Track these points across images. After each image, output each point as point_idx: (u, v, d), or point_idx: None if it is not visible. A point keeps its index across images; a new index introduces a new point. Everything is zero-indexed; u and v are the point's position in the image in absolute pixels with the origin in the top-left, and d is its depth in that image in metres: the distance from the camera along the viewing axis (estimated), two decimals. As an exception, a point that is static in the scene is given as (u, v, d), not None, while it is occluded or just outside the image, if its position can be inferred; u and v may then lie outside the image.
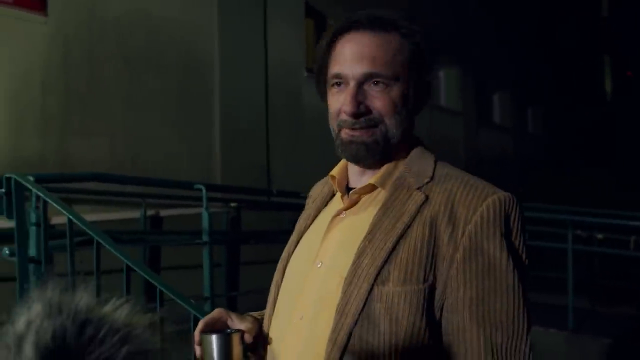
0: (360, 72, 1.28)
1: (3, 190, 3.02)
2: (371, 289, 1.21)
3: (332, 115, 1.34)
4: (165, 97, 6.59)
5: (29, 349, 0.73)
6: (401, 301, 1.19)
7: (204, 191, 4.19)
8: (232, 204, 6.76)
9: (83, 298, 0.78)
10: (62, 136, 5.58)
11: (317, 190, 1.53)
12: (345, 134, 1.31)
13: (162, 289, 2.47)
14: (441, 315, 1.22)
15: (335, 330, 1.23)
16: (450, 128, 13.08)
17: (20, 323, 0.76)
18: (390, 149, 1.32)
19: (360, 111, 1.28)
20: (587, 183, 13.20)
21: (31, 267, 3.06)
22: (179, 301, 2.43)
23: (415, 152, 1.36)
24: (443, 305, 1.22)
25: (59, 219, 3.20)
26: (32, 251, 3.08)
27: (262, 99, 7.87)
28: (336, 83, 1.32)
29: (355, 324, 1.21)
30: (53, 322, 0.75)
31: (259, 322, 1.43)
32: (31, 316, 0.76)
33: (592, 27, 21.40)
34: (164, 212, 6.21)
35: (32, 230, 3.11)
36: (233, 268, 6.56)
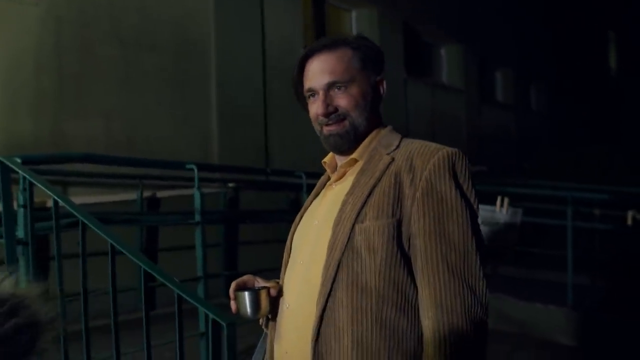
0: (324, 82, 1.71)
1: (-10, 172, 3.01)
2: (353, 227, 1.57)
3: (313, 119, 1.77)
4: (161, 77, 6.54)
5: None
6: (376, 232, 1.55)
7: (195, 171, 4.17)
8: (230, 184, 6.77)
9: None
10: (56, 118, 5.56)
11: (322, 178, 1.90)
12: (325, 130, 1.73)
13: (147, 269, 2.46)
14: (409, 243, 1.56)
15: (327, 262, 1.59)
16: (452, 106, 13.00)
17: None
18: (361, 135, 1.73)
19: (329, 111, 1.70)
20: (592, 160, 13.13)
21: (19, 248, 3.05)
22: (163, 280, 2.42)
23: (385, 132, 1.77)
24: (410, 235, 1.56)
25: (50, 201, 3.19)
26: (20, 233, 3.08)
27: (260, 79, 7.81)
28: (310, 95, 1.75)
29: (342, 254, 1.57)
30: None
31: (280, 285, 1.78)
32: None
33: (596, 2, 21.17)
34: (161, 194, 6.21)
35: (20, 212, 3.10)
36: (231, 248, 6.57)
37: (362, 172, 1.67)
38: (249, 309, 1.66)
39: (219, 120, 7.15)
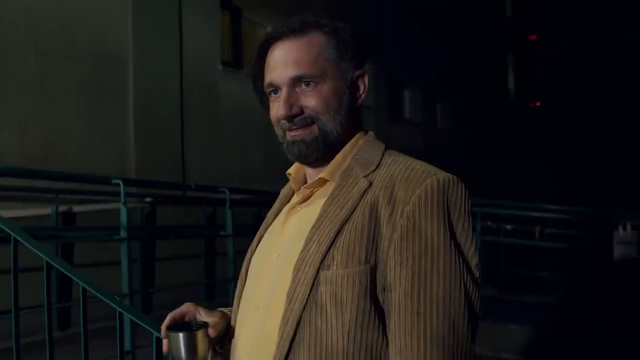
0: (288, 76, 1.34)
1: None
2: (317, 274, 1.25)
3: (274, 121, 1.41)
4: (78, 88, 6.38)
5: None
6: (344, 283, 1.22)
7: (122, 186, 4.10)
8: (147, 199, 6.66)
9: None
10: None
11: (284, 190, 1.58)
12: (288, 135, 1.38)
13: (86, 286, 2.42)
14: (384, 295, 1.23)
15: (285, 316, 1.27)
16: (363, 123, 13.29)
17: None
18: (332, 143, 1.38)
19: (293, 112, 1.35)
20: (497, 176, 13.72)
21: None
22: (102, 298, 2.38)
23: (364, 143, 1.41)
24: (385, 286, 1.23)
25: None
26: (-59, 250, 2.95)
27: (177, 92, 7.76)
28: (272, 91, 1.39)
29: (304, 309, 1.25)
30: None
31: (226, 316, 1.50)
32: None
33: (498, 27, 22.25)
34: (77, 208, 6.04)
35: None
36: (148, 264, 6.47)
37: (332, 199, 1.33)
38: (183, 354, 1.37)
39: (137, 132, 7.05)
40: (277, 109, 1.37)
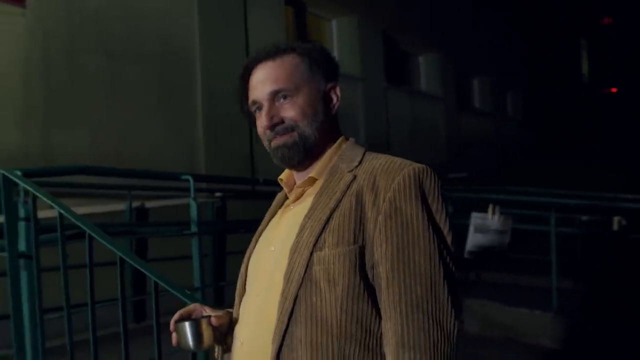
0: (267, 92, 1.54)
1: (-9, 185, 2.99)
2: (311, 255, 1.41)
3: (260, 135, 1.59)
4: (147, 88, 6.54)
5: None
6: (336, 261, 1.39)
7: (191, 182, 4.17)
8: (217, 194, 6.76)
9: None
10: (44, 129, 5.53)
11: (278, 195, 1.74)
12: (272, 144, 1.56)
13: (158, 280, 2.46)
14: (373, 272, 1.40)
15: (283, 294, 1.43)
16: (431, 113, 13.13)
17: None
18: (311, 146, 1.55)
19: (274, 122, 1.54)
20: (568, 165, 13.33)
21: (21, 261, 3.04)
22: (173, 292, 2.42)
23: (347, 146, 1.59)
24: (373, 263, 1.40)
25: (43, 213, 3.18)
26: (21, 246, 3.06)
27: (245, 88, 7.84)
28: (257, 108, 1.58)
29: (300, 287, 1.41)
30: None
31: (230, 314, 1.65)
32: None
33: (568, 10, 21.55)
34: (149, 204, 6.19)
35: (21, 225, 3.08)
36: (220, 258, 6.56)
37: (321, 192, 1.50)
38: (190, 341, 1.52)
39: (205, 129, 7.16)
40: (261, 121, 1.55)
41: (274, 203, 1.71)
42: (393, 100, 11.55)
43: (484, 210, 5.44)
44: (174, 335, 1.56)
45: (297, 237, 1.45)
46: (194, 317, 1.60)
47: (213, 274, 6.32)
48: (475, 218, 5.60)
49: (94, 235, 2.64)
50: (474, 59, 15.45)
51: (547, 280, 6.62)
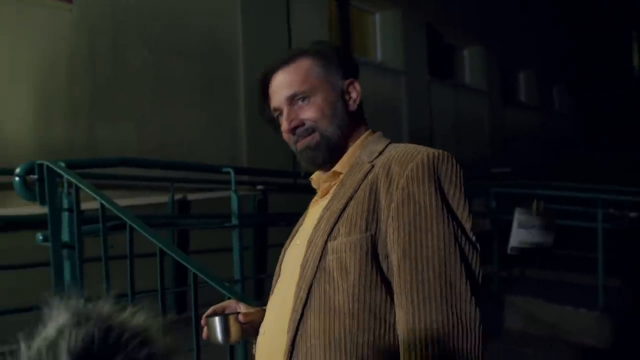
0: (284, 97, 1.58)
1: (36, 176, 3.06)
2: (325, 245, 1.42)
3: (285, 139, 1.63)
4: (190, 82, 6.60)
5: (63, 355, 0.78)
6: (348, 250, 1.38)
7: (232, 174, 4.20)
8: (259, 187, 6.80)
9: (105, 306, 0.85)
10: (89, 123, 5.62)
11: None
12: (297, 146, 1.60)
13: (197, 272, 2.48)
14: (388, 262, 1.38)
15: (298, 284, 1.45)
16: (475, 107, 12.97)
17: (50, 330, 0.81)
18: (335, 145, 1.58)
19: (294, 125, 1.57)
20: (617, 160, 13.03)
21: (65, 252, 3.10)
22: (212, 284, 2.44)
23: (371, 139, 1.61)
24: (387, 252, 1.38)
25: (86, 204, 3.23)
26: (64, 236, 3.12)
27: (287, 82, 7.86)
28: (278, 115, 1.63)
29: (314, 277, 1.41)
30: (82, 330, 0.80)
31: (264, 310, 1.67)
32: (60, 324, 0.81)
33: (619, 2, 21.01)
34: (191, 196, 6.25)
35: (65, 215, 3.15)
36: (260, 251, 6.60)
37: (342, 184, 1.52)
38: (219, 335, 1.61)
39: (247, 123, 7.20)
40: (283, 126, 1.60)
41: (313, 201, 1.72)
42: (436, 94, 11.44)
43: (528, 205, 5.34)
44: (204, 329, 1.64)
45: (314, 229, 1.48)
46: (226, 312, 1.67)
47: (254, 266, 6.36)
48: (519, 213, 5.51)
49: (134, 226, 2.68)
50: (519, 52, 15.19)
51: (593, 278, 6.49)
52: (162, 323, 0.87)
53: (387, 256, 1.38)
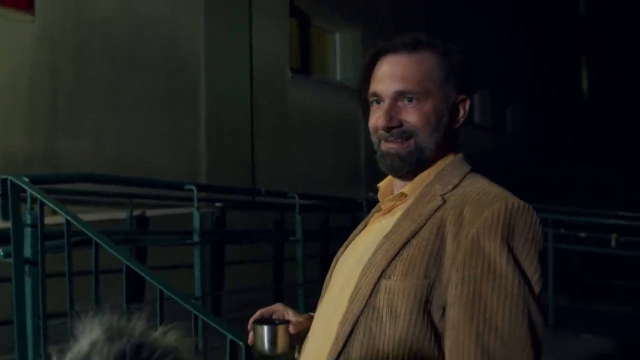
0: (392, 89, 1.40)
1: (-2, 191, 3.03)
2: (378, 281, 1.30)
3: (371, 130, 1.46)
4: (152, 96, 6.59)
5: None
6: (400, 294, 1.26)
7: (195, 191, 4.22)
8: (217, 204, 6.80)
9: (138, 323, 0.86)
10: (49, 136, 5.57)
11: (375, 207, 1.63)
12: (383, 146, 1.43)
13: (162, 288, 2.50)
14: (442, 312, 1.25)
15: (345, 315, 1.33)
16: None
17: (83, 345, 0.84)
18: (424, 160, 1.42)
19: (392, 124, 1.40)
20: (568, 181, 13.39)
21: (27, 267, 3.07)
22: (179, 300, 2.46)
23: (450, 164, 1.44)
24: (444, 304, 1.25)
25: (48, 219, 3.21)
26: (27, 252, 3.09)
27: (248, 99, 7.90)
28: (375, 100, 1.44)
29: (362, 312, 1.30)
30: (114, 346, 0.82)
31: (312, 318, 1.56)
32: (93, 340, 0.84)
33: (570, 27, 21.69)
34: (150, 213, 6.22)
35: (27, 231, 3.11)
36: (218, 268, 6.59)
37: (407, 212, 1.37)
38: (266, 345, 1.51)
39: (208, 138, 7.21)
40: (377, 118, 1.42)
41: (374, 209, 1.59)
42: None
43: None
44: (250, 334, 1.54)
45: (370, 258, 1.35)
46: (275, 317, 1.58)
47: (211, 283, 6.35)
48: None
49: (100, 242, 2.68)
50: (475, 73, 15.51)
51: (544, 297, 6.67)
52: (192, 343, 0.90)
53: (443, 307, 1.26)
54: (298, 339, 1.54)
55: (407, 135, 1.40)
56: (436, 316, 1.26)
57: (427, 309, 1.26)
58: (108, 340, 0.84)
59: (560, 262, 7.09)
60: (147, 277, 2.56)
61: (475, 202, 1.30)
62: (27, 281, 3.09)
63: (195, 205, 4.23)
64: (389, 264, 1.30)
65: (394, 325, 1.26)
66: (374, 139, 1.46)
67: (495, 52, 16.49)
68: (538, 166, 17.01)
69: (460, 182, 1.39)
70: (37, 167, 5.18)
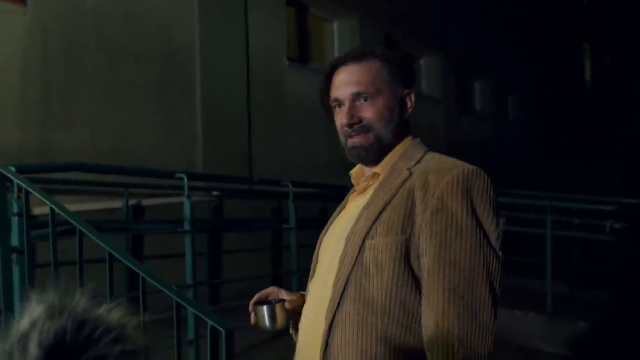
0: (349, 92, 1.69)
1: (-16, 180, 3.03)
2: (363, 242, 1.56)
3: (338, 130, 1.74)
4: (146, 86, 6.57)
5: (33, 347, 0.81)
6: (384, 249, 1.54)
7: (185, 180, 4.21)
8: (214, 193, 6.81)
9: (81, 300, 0.85)
10: (42, 126, 5.57)
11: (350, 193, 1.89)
12: (349, 142, 1.71)
13: (145, 276, 2.50)
14: (418, 261, 1.53)
15: (337, 276, 1.60)
16: (431, 116, 13.15)
17: (24, 323, 0.83)
18: (385, 147, 1.70)
19: (354, 121, 1.68)
20: (569, 169, 13.35)
21: (14, 256, 3.08)
22: (161, 288, 2.46)
23: (411, 146, 1.73)
24: (418, 253, 1.53)
25: (40, 209, 3.22)
26: (14, 241, 3.10)
27: (244, 88, 7.87)
28: (337, 105, 1.73)
29: (352, 270, 1.57)
30: (55, 322, 0.82)
31: (304, 296, 1.82)
32: (34, 317, 0.83)
33: (571, 14, 21.55)
34: (146, 202, 6.23)
35: (14, 220, 3.12)
36: (215, 256, 6.61)
37: (380, 186, 1.65)
38: (267, 322, 1.75)
39: (204, 128, 7.20)
40: (340, 118, 1.70)
41: (348, 195, 1.86)
42: (393, 102, 11.56)
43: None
44: (252, 315, 1.77)
45: (353, 226, 1.62)
46: (271, 298, 1.80)
47: (209, 271, 6.37)
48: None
49: (84, 231, 2.68)
50: (475, 61, 15.46)
51: (542, 283, 6.66)
52: (139, 321, 0.89)
53: (418, 257, 1.53)
54: (293, 315, 1.78)
55: (366, 129, 1.68)
56: (414, 264, 1.53)
57: (406, 259, 1.53)
58: (49, 318, 0.83)
59: (558, 249, 7.07)
60: (130, 265, 2.55)
61: (438, 170, 1.58)
62: (15, 269, 3.10)
63: (186, 193, 4.22)
64: (370, 228, 1.57)
65: (381, 275, 1.52)
66: (341, 137, 1.73)
67: (497, 40, 16.41)
68: (538, 155, 16.96)
69: (422, 157, 1.67)
70: (30, 158, 5.16)
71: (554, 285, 6.63)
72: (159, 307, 2.84)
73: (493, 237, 1.51)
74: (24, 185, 2.94)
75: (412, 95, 1.74)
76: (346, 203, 1.84)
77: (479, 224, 1.50)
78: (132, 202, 6.07)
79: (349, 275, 1.56)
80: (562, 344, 6.23)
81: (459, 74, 14.68)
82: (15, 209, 3.12)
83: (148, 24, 6.61)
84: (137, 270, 2.53)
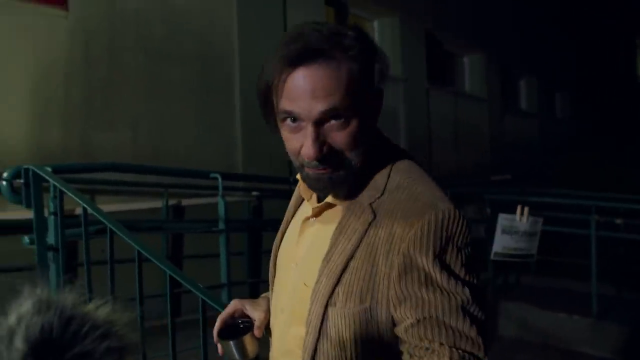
0: (317, 111, 1.20)
1: (22, 180, 3.12)
2: (325, 310, 1.28)
3: (291, 152, 1.30)
4: (186, 87, 6.65)
5: (19, 342, 0.80)
6: (344, 322, 1.26)
7: (219, 180, 4.25)
8: (253, 193, 6.85)
9: (69, 296, 0.85)
10: (84, 128, 5.68)
11: (296, 193, 1.58)
12: (312, 172, 1.28)
13: (173, 274, 2.53)
14: (392, 332, 1.25)
15: (304, 345, 1.33)
16: (475, 115, 13.00)
17: (11, 318, 0.83)
18: (355, 174, 1.30)
19: (324, 152, 1.24)
20: (616, 168, 13.04)
21: (50, 254, 3.15)
22: (188, 287, 2.48)
23: (374, 164, 1.33)
24: (393, 323, 1.25)
25: (80, 209, 3.28)
26: (50, 239, 3.18)
27: (283, 88, 7.88)
28: (290, 118, 1.25)
29: (317, 340, 1.30)
30: (41, 318, 0.81)
31: (269, 303, 1.58)
32: (22, 312, 0.83)
33: (622, 9, 21.02)
34: (185, 202, 6.31)
35: (51, 219, 3.20)
36: (255, 256, 6.65)
37: (340, 228, 1.31)
38: (236, 356, 1.54)
39: (243, 129, 7.24)
40: (300, 143, 1.25)
41: (295, 199, 1.55)
42: (435, 101, 11.48)
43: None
44: (219, 347, 1.54)
45: (316, 284, 1.30)
46: (237, 317, 1.58)
47: (248, 271, 6.41)
48: (503, 219, 5.53)
49: (115, 230, 2.72)
50: (520, 59, 15.22)
51: (588, 285, 6.51)
52: (128, 318, 0.89)
53: (386, 326, 1.26)
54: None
55: (339, 161, 1.26)
56: (384, 333, 1.26)
57: (369, 330, 1.26)
58: (36, 313, 0.84)
59: (605, 250, 6.90)
60: (157, 263, 2.58)
61: (405, 213, 1.24)
62: (52, 267, 3.18)
63: (220, 193, 4.26)
64: (332, 292, 1.27)
65: (344, 350, 1.27)
66: (294, 159, 1.31)
67: (542, 36, 16.12)
68: (586, 153, 16.60)
69: (386, 184, 1.30)
70: (73, 159, 5.29)
71: (600, 287, 6.47)
72: (195, 306, 2.85)
73: (472, 290, 1.20)
74: (57, 185, 3.01)
75: (382, 93, 1.31)
76: (298, 206, 1.54)
77: (456, 279, 1.20)
78: (172, 202, 6.15)
79: (316, 345, 1.30)
80: (608, 347, 6.08)
81: (504, 72, 14.47)
82: (51, 208, 3.19)
83: (188, 26, 6.69)
84: (164, 269, 2.56)
